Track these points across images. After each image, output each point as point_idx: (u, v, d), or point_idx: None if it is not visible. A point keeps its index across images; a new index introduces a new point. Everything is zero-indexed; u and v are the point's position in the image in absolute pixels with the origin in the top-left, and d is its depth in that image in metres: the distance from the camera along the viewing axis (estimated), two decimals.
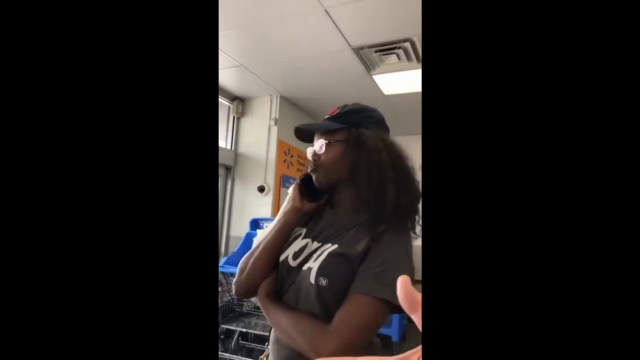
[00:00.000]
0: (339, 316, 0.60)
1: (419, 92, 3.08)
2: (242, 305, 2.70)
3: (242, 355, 2.60)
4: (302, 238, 0.74)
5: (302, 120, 3.99)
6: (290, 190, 0.81)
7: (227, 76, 3.18)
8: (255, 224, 2.93)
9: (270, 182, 3.49)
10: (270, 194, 3.48)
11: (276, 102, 3.58)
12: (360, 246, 0.64)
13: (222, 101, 3.58)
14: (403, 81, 2.99)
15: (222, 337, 2.68)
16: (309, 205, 0.78)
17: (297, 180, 0.80)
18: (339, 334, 0.58)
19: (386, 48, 2.48)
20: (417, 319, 0.24)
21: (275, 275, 0.73)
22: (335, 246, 0.67)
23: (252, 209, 3.46)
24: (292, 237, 0.76)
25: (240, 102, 3.67)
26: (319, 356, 0.57)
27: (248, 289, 0.74)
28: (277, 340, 0.71)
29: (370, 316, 0.59)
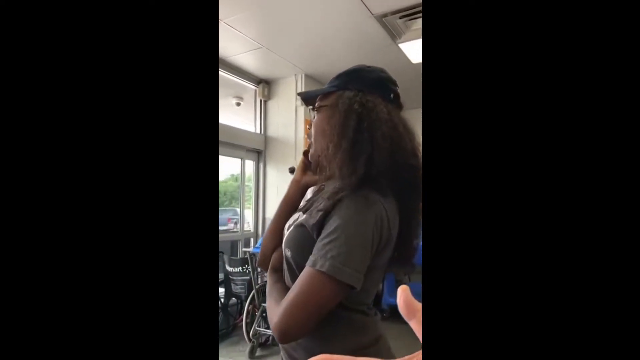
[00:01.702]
0: (289, 291, 0.58)
1: None
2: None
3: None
4: (298, 211, 0.73)
5: None
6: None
7: (250, 59, 3.16)
8: None
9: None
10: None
11: (301, 81, 3.53)
12: (317, 216, 0.60)
13: (248, 85, 3.58)
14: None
15: (264, 315, 2.78)
16: (308, 178, 0.76)
17: (302, 153, 0.79)
18: (282, 310, 0.56)
19: (410, 12, 2.34)
20: (415, 325, 0.24)
21: (281, 249, 0.72)
22: (303, 216, 0.64)
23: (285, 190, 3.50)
24: (297, 210, 0.75)
25: (266, 85, 3.66)
26: (273, 331, 0.56)
27: (262, 260, 0.75)
28: None
29: (313, 291, 0.55)
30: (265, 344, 2.79)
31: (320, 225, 0.59)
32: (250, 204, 3.69)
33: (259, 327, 2.72)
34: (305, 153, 0.78)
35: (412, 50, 2.90)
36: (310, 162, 0.76)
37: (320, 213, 0.60)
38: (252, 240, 3.65)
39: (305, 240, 0.61)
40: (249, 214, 3.69)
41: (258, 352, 2.67)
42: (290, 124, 3.56)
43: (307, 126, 0.81)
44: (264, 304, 2.76)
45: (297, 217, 0.70)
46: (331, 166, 0.65)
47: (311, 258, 0.57)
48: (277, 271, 0.70)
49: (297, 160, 3.39)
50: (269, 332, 2.68)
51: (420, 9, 2.30)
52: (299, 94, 0.76)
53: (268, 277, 0.70)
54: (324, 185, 0.74)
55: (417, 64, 3.08)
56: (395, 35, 2.65)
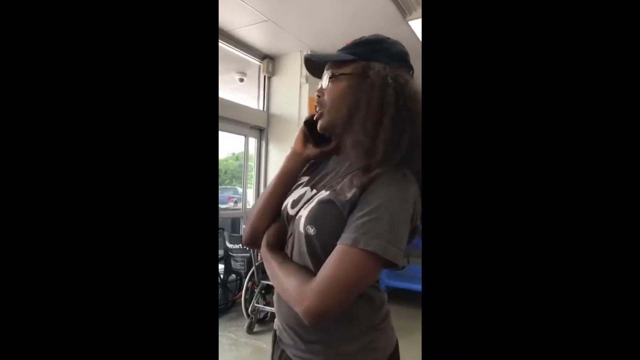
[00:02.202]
0: (322, 269, 0.55)
1: None
2: None
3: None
4: (304, 186, 0.69)
5: None
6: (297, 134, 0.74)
7: (255, 33, 3.06)
8: None
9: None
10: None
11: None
12: (351, 193, 0.57)
13: (252, 60, 3.49)
14: None
15: (262, 292, 2.81)
16: (311, 150, 0.71)
17: (303, 123, 0.73)
18: (318, 290, 0.53)
19: None
20: None
21: (277, 225, 0.69)
22: (327, 193, 0.61)
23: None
24: (296, 185, 0.71)
25: (271, 61, 3.57)
26: (301, 311, 0.54)
27: (252, 238, 0.70)
28: (279, 295, 0.68)
29: (353, 270, 0.53)
30: (264, 319, 2.83)
31: (354, 202, 0.57)
32: (251, 183, 3.67)
33: (258, 303, 2.75)
34: (309, 122, 0.72)
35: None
36: (310, 133, 0.72)
37: (355, 189, 0.57)
38: None
39: (332, 217, 0.58)
40: (250, 193, 3.68)
41: (256, 328, 2.71)
42: (294, 101, 3.49)
43: (317, 94, 0.74)
44: (263, 281, 2.79)
45: (311, 193, 0.66)
46: (351, 138, 0.62)
47: (349, 236, 0.54)
48: (277, 249, 0.67)
49: None
50: (268, 308, 2.72)
51: None
52: (306, 57, 0.69)
53: (269, 255, 0.66)
54: (334, 157, 0.70)
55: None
56: (405, 11, 2.55)
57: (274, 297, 0.72)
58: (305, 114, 3.45)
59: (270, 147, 3.65)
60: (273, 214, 0.70)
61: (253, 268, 2.84)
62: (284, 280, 0.60)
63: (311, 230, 0.59)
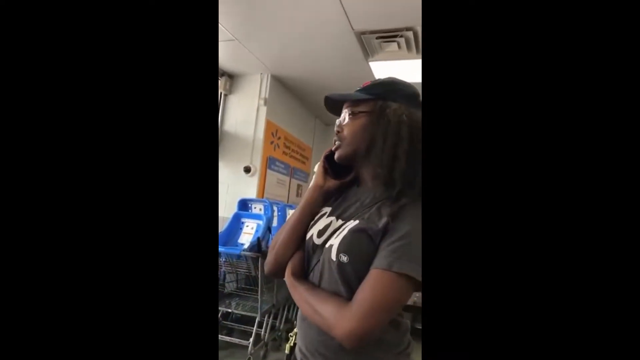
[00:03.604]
0: (358, 294, 0.58)
1: (416, 83, 3.06)
2: (224, 286, 2.66)
3: (223, 335, 2.58)
4: (327, 216, 0.72)
5: (292, 102, 3.90)
6: (316, 167, 0.79)
7: (220, 50, 3.03)
8: (244, 204, 2.86)
9: (257, 163, 3.41)
10: (256, 175, 3.40)
11: (267, 81, 3.47)
12: (382, 222, 0.61)
13: None
14: (400, 71, 2.96)
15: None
16: (332, 183, 0.76)
17: (322, 156, 0.78)
18: (358, 313, 0.56)
19: (388, 35, 2.44)
20: None
21: (301, 254, 0.72)
22: (357, 222, 0.65)
23: (237, 189, 3.37)
24: (319, 216, 0.74)
25: (229, 79, 3.53)
26: (341, 335, 0.56)
27: (276, 267, 0.72)
28: (304, 319, 0.70)
29: (390, 293, 0.57)
30: None
31: (385, 230, 0.61)
32: None
33: None
34: (329, 157, 0.77)
35: (381, 70, 3.02)
36: (330, 167, 0.76)
37: (385, 218, 0.61)
38: None
39: (365, 245, 0.61)
40: None
41: None
42: (250, 122, 3.47)
43: (336, 129, 0.79)
44: None
45: (337, 222, 0.69)
46: (369, 170, 0.70)
47: (382, 261, 0.58)
48: (301, 276, 0.69)
49: (252, 160, 3.27)
50: None
51: (397, 33, 2.41)
52: (327, 96, 0.75)
53: (296, 283, 0.67)
54: (353, 188, 0.74)
55: None
56: (369, 53, 2.73)
57: (298, 322, 0.72)
58: (261, 136, 3.44)
59: (221, 165, 3.54)
60: (297, 244, 0.72)
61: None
62: (317, 305, 0.61)
63: (344, 258, 0.62)
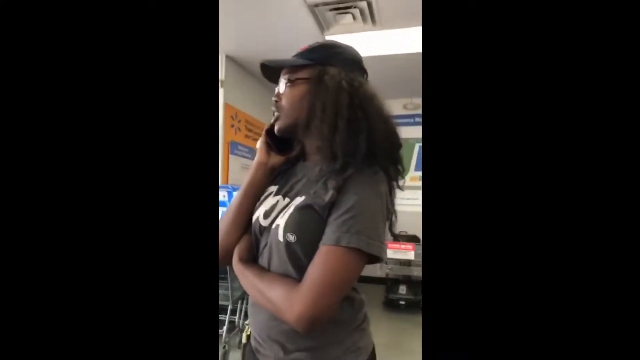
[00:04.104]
0: (308, 274, 0.55)
1: (373, 57, 3.02)
2: None
3: None
4: (274, 196, 0.68)
5: (251, 83, 3.76)
6: (258, 142, 0.73)
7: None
8: None
9: (218, 149, 3.30)
10: (219, 161, 3.29)
11: (222, 62, 3.31)
12: (328, 196, 0.58)
13: None
14: (357, 43, 2.89)
15: None
16: (275, 159, 0.71)
17: (264, 131, 0.73)
18: (308, 294, 0.53)
19: (342, 7, 2.36)
20: None
21: (248, 238, 0.67)
22: (303, 198, 0.61)
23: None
24: (264, 196, 0.70)
25: None
26: (292, 319, 0.53)
27: (223, 254, 0.67)
28: (255, 305, 0.67)
29: (340, 270, 0.54)
30: None
31: (332, 204, 0.57)
32: None
33: None
34: (270, 131, 0.71)
35: None
36: (272, 141, 0.71)
37: (331, 192, 0.57)
38: None
39: (312, 222, 0.58)
40: None
41: None
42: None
43: (274, 99, 0.71)
44: None
45: (284, 201, 0.65)
46: (312, 142, 0.65)
47: (330, 236, 0.55)
48: (251, 261, 0.65)
49: None
50: None
51: (350, 4, 2.33)
52: (262, 63, 0.69)
53: (244, 269, 0.63)
54: (300, 163, 0.70)
55: None
56: (324, 26, 2.64)
57: (249, 309, 0.69)
58: (220, 120, 3.31)
59: None
60: (242, 228, 0.67)
61: None
62: (266, 290, 0.58)
63: (291, 238, 0.58)
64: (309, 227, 0.58)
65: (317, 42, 0.70)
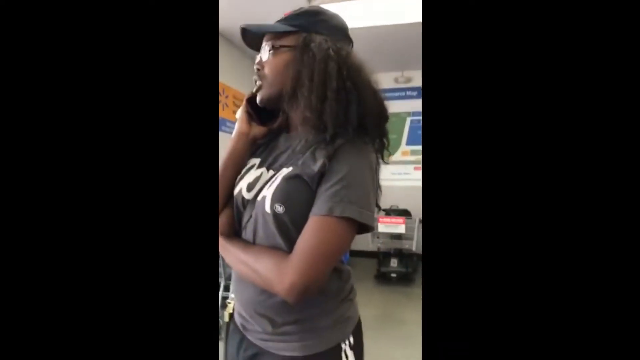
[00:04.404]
0: (298, 244, 0.54)
1: (360, 28, 2.92)
2: None
3: None
4: (257, 168, 0.66)
5: (237, 57, 3.64)
6: (238, 112, 0.70)
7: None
8: None
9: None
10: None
11: None
12: (317, 166, 0.57)
13: None
14: (344, 13, 2.79)
15: None
16: (258, 130, 0.68)
17: (244, 100, 0.69)
18: (299, 264, 0.52)
19: None
20: None
21: (230, 212, 0.66)
22: (290, 169, 0.59)
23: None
24: (246, 168, 0.67)
25: None
26: (283, 290, 0.53)
27: None
28: (239, 281, 0.66)
29: (332, 239, 0.54)
30: None
31: (322, 173, 0.56)
32: None
33: None
34: (252, 100, 0.68)
35: None
36: (253, 111, 0.68)
37: (321, 162, 0.56)
38: None
39: (301, 192, 0.57)
40: None
41: None
42: None
43: (256, 67, 0.66)
44: None
45: (269, 173, 0.63)
46: (297, 113, 0.62)
47: (322, 206, 0.54)
48: (232, 235, 0.64)
49: None
50: None
51: None
52: (243, 27, 0.65)
53: (227, 243, 0.62)
54: (283, 134, 0.68)
55: None
56: None
57: (233, 285, 0.68)
58: None
59: None
60: (224, 201, 0.65)
61: None
62: (253, 263, 0.57)
63: (280, 209, 0.56)
64: (297, 198, 0.57)
65: (301, 8, 0.65)
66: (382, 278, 3.57)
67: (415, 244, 3.46)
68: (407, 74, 4.26)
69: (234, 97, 3.66)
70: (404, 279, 3.50)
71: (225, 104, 3.54)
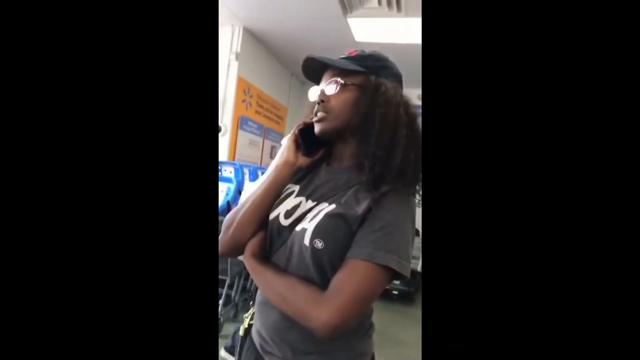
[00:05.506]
0: (335, 283, 0.56)
1: (393, 44, 2.94)
2: None
3: None
4: (295, 196, 0.68)
5: (266, 58, 3.70)
6: (284, 140, 0.72)
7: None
8: None
9: (227, 123, 3.28)
10: (227, 136, 3.28)
11: (238, 33, 3.25)
12: (361, 208, 0.58)
13: None
14: (379, 29, 2.83)
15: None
16: (304, 160, 0.70)
17: (295, 130, 0.71)
18: (336, 304, 0.54)
19: None
20: None
21: (263, 235, 0.67)
22: (333, 206, 0.61)
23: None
24: (284, 194, 0.69)
25: None
26: (317, 326, 0.54)
27: (233, 248, 0.68)
28: (266, 303, 0.67)
29: (369, 284, 0.56)
30: None
31: (364, 217, 0.58)
32: None
33: None
34: (303, 130, 0.70)
35: (358, 28, 2.87)
36: (301, 143, 0.70)
37: (365, 205, 0.58)
38: None
39: (341, 231, 0.58)
40: None
41: None
42: (220, 77, 3.28)
43: (320, 99, 0.67)
44: None
45: (307, 203, 0.65)
46: (345, 148, 0.67)
47: (362, 250, 0.56)
48: (264, 259, 0.65)
49: (223, 119, 3.13)
50: None
51: None
52: (310, 57, 0.67)
53: (258, 265, 0.63)
54: (323, 166, 0.70)
55: (360, 43, 3.07)
56: (347, 8, 2.57)
57: (258, 306, 0.69)
58: (232, 93, 3.27)
59: None
60: (259, 224, 0.67)
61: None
62: (286, 292, 0.59)
63: (319, 244, 0.58)
64: (337, 236, 0.58)
65: (363, 50, 0.69)
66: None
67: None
68: None
69: (258, 96, 3.71)
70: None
71: (249, 103, 3.58)
